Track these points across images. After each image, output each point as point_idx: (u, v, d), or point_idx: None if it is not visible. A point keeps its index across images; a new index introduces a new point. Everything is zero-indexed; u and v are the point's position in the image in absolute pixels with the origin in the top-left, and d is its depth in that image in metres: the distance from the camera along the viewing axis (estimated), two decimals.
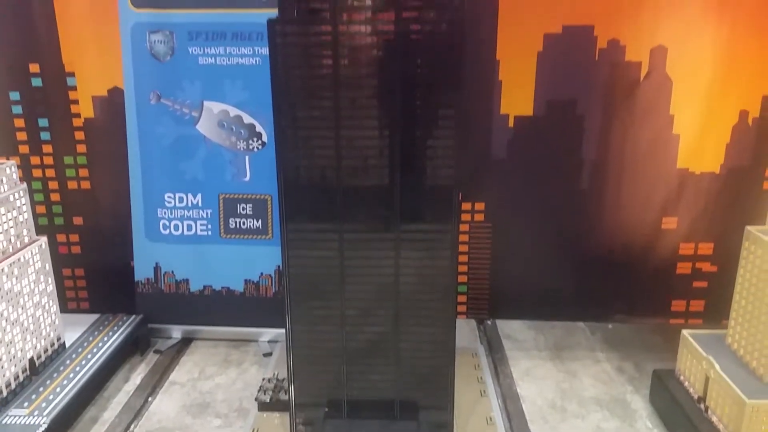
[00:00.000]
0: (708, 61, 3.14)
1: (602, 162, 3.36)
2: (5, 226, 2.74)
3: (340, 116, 2.35)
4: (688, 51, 3.13)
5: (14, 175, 2.84)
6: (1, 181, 2.75)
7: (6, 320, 2.67)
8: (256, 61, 3.22)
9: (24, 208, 2.86)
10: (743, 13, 3.05)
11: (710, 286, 3.50)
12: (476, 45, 3.17)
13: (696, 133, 3.25)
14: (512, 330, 3.59)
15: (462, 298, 3.63)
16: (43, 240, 2.96)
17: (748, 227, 2.55)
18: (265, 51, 3.08)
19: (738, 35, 3.08)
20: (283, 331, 2.70)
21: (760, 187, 3.29)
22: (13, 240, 2.79)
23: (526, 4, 3.12)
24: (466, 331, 3.50)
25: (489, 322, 3.66)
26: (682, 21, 3.09)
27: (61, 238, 3.64)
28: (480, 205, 3.51)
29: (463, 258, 3.54)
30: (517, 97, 3.29)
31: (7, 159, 3.34)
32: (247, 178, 3.39)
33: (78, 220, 3.63)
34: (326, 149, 2.39)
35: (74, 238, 3.66)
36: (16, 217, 2.81)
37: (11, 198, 2.78)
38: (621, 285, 3.54)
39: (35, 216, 3.01)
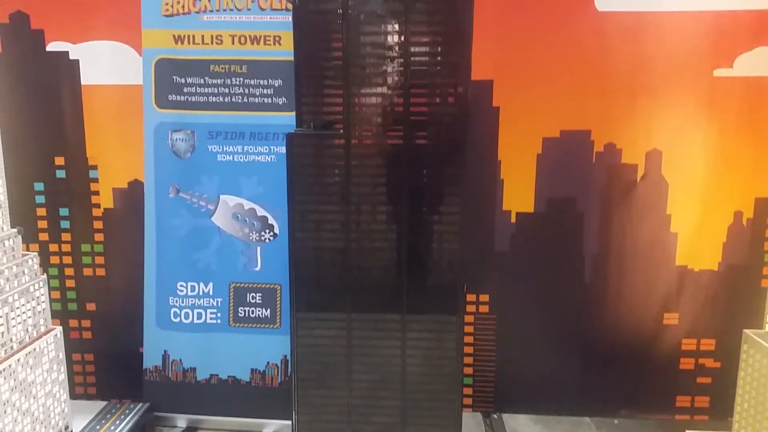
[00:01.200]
0: (701, 164, 3.30)
1: (603, 258, 3.45)
2: (24, 317, 2.82)
3: (350, 219, 2.49)
4: (682, 154, 3.29)
5: (35, 266, 2.95)
6: (23, 272, 2.86)
7: (18, 410, 2.71)
8: (271, 158, 3.39)
9: (42, 298, 2.96)
10: (730, 121, 3.23)
11: (714, 382, 3.51)
12: (479, 145, 3.34)
13: (693, 231, 3.36)
14: (519, 425, 3.57)
15: (467, 391, 3.64)
16: (58, 329, 3.03)
17: (746, 331, 2.61)
18: (280, 149, 3.31)
19: (727, 141, 3.26)
20: (288, 422, 2.73)
21: (759, 285, 3.36)
22: (29, 330, 2.87)
23: (524, 109, 3.32)
24: (472, 425, 3.49)
25: (495, 416, 3.65)
26: (674, 127, 3.27)
27: (73, 323, 3.72)
28: (484, 297, 3.58)
29: (468, 349, 3.58)
30: (518, 194, 3.43)
31: (27, 247, 3.49)
32: (258, 267, 3.50)
33: (91, 306, 3.71)
34: (336, 252, 2.52)
35: (86, 323, 3.73)
36: (34, 308, 2.90)
37: (31, 289, 2.88)
38: (625, 379, 3.56)
39: (50, 301, 3.10)
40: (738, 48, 3.17)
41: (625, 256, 3.43)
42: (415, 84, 2.48)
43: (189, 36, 3.32)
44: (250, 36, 3.32)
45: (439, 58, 2.43)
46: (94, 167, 3.55)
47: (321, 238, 2.52)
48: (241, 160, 3.41)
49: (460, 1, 2.45)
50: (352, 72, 2.41)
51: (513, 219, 3.46)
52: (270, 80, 3.35)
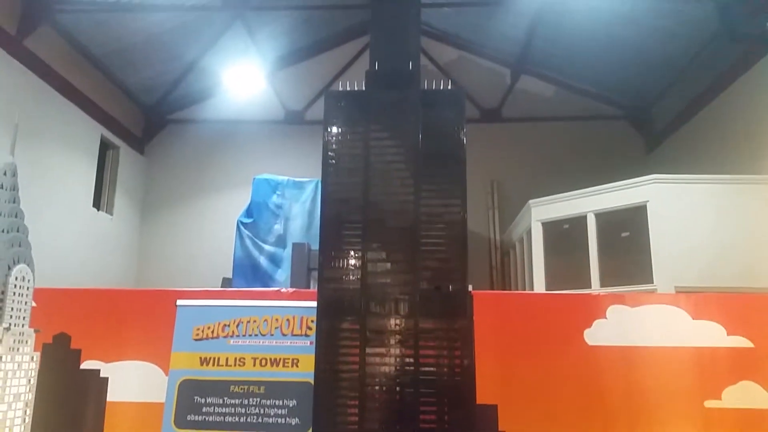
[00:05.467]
0: None
1: None
2: None
3: None
4: None
5: None
6: None
7: None
8: None
9: None
10: None
11: None
12: None
13: None
14: None
15: None
16: None
17: None
18: None
19: None
20: None
21: None
22: None
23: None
24: None
25: None
26: None
27: None
28: None
29: None
30: None
31: None
32: None
33: None
34: None
35: None
36: None
37: None
38: None
39: None
40: (724, 381, 3.40)
41: None
42: (425, 363, 2.69)
43: (214, 358, 3.60)
44: (270, 359, 3.60)
45: (446, 352, 2.73)
46: None
47: None
48: None
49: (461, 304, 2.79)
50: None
51: None
52: (285, 400, 3.53)
